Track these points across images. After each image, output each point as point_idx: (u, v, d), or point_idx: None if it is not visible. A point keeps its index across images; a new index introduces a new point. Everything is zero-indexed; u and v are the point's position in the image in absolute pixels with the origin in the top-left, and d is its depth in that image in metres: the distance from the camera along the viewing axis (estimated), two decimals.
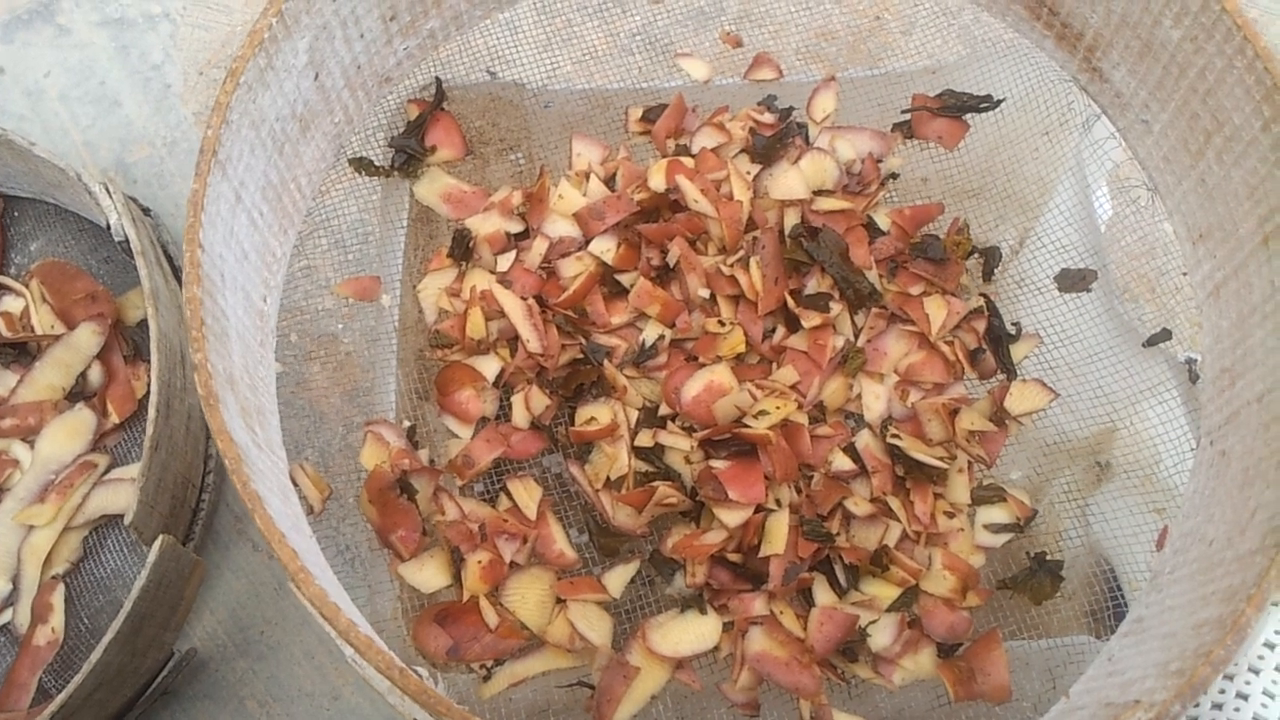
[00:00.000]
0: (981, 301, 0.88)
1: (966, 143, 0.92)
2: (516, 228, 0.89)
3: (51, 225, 1.07)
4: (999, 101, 0.90)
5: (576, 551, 0.80)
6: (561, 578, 0.79)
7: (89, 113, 1.17)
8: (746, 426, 0.78)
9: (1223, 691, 0.75)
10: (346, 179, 0.87)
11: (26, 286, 1.02)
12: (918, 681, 0.77)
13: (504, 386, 0.84)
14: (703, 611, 0.77)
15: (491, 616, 0.75)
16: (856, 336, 0.85)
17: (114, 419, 0.97)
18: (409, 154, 0.89)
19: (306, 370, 0.98)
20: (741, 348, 0.83)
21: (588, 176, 0.90)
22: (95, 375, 0.99)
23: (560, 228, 0.87)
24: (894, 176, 0.92)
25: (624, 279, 0.86)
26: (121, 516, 0.91)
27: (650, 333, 0.84)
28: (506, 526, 0.78)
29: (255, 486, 0.55)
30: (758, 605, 0.76)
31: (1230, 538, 0.61)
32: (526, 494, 0.80)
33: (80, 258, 1.06)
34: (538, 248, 0.86)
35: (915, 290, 0.87)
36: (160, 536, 0.82)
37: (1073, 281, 0.88)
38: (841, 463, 0.80)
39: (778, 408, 0.79)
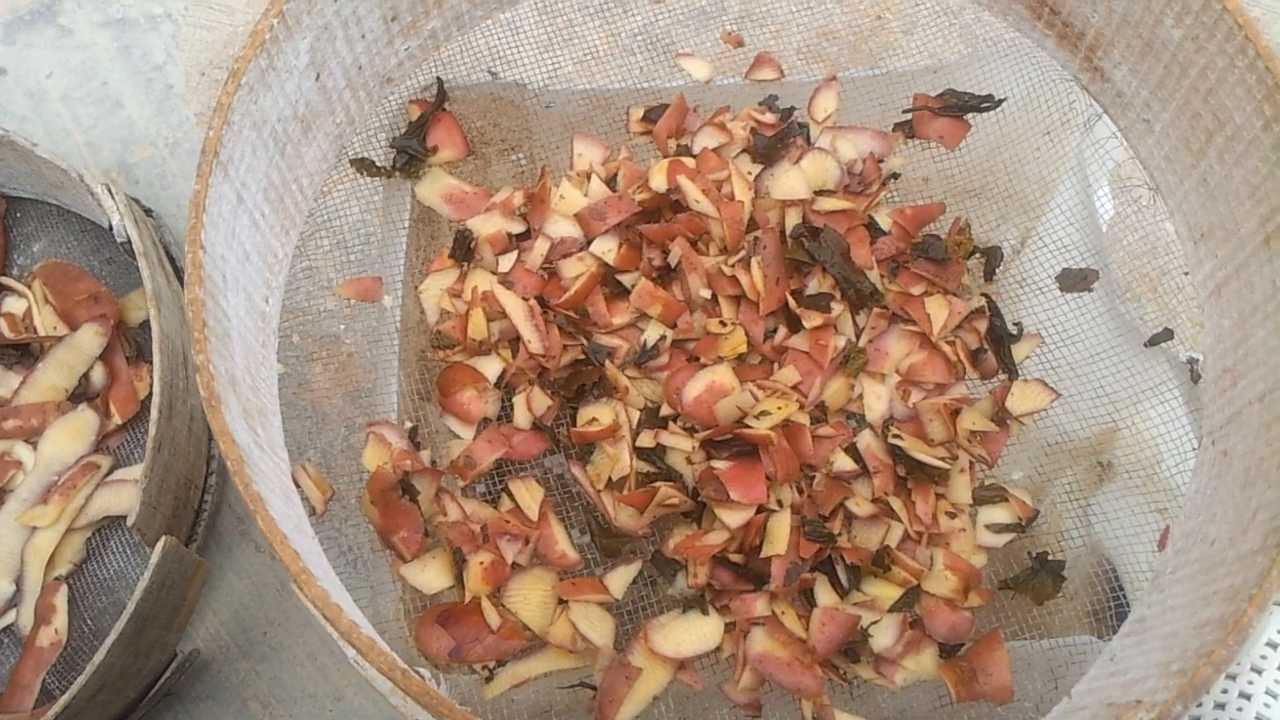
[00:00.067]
0: (983, 301, 0.88)
1: (968, 142, 0.92)
2: (518, 228, 0.89)
3: (54, 226, 1.07)
4: (1000, 101, 0.90)
5: (578, 552, 0.80)
6: (563, 578, 0.79)
7: (91, 113, 1.17)
8: (748, 427, 0.78)
9: (1225, 691, 0.75)
10: (348, 180, 0.87)
11: (29, 288, 1.02)
12: (920, 682, 0.77)
13: (506, 387, 0.85)
14: (704, 612, 0.77)
15: (494, 617, 0.75)
16: (858, 337, 0.85)
17: (116, 420, 0.97)
18: (410, 154, 0.89)
19: (308, 371, 0.98)
20: (743, 348, 0.83)
21: (589, 177, 0.90)
22: (98, 376, 0.99)
23: (562, 228, 0.87)
24: (895, 176, 0.92)
25: (625, 279, 0.86)
26: (124, 518, 0.91)
27: (652, 333, 0.84)
28: (508, 527, 0.78)
29: (257, 488, 0.56)
30: (759, 606, 0.76)
31: (1232, 537, 0.60)
32: (528, 495, 0.80)
33: (83, 259, 1.06)
34: (539, 248, 0.86)
35: (917, 290, 0.87)
36: (163, 538, 0.82)
37: (1074, 281, 0.88)
38: (843, 463, 0.80)
39: (779, 408, 0.79)
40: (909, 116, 0.93)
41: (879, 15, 1.15)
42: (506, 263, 0.87)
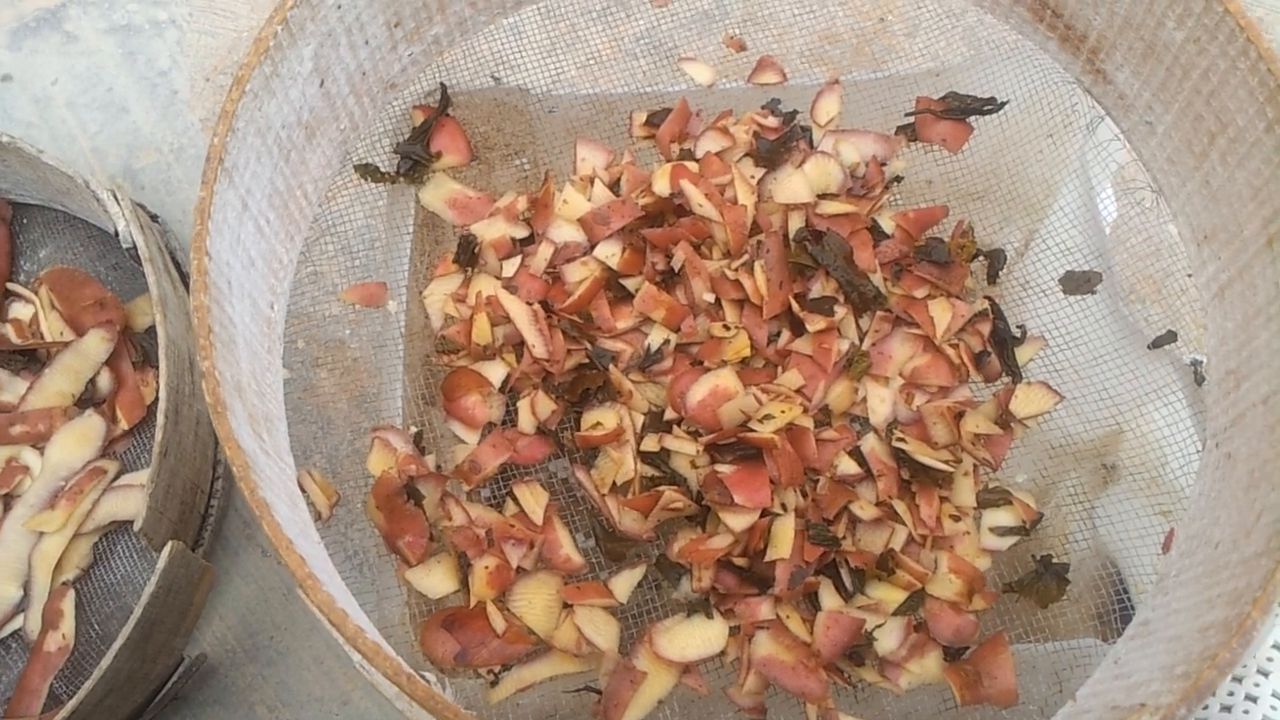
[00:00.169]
0: (986, 304, 0.88)
1: (970, 145, 0.92)
2: (522, 233, 0.89)
3: (60, 232, 1.08)
4: (1003, 104, 0.90)
5: (583, 556, 0.80)
6: (568, 583, 0.79)
7: (96, 119, 1.18)
8: (752, 431, 0.78)
9: (1231, 694, 0.75)
10: (352, 185, 0.88)
11: (36, 293, 1.03)
12: (924, 685, 0.77)
13: (510, 392, 0.85)
14: (709, 616, 0.77)
15: (499, 622, 0.75)
16: (861, 340, 0.85)
17: (123, 425, 0.98)
18: (414, 160, 0.90)
19: (314, 376, 0.98)
20: (746, 352, 0.83)
21: (592, 181, 0.90)
22: (104, 382, 0.99)
23: (565, 233, 0.87)
24: (898, 179, 0.92)
25: (629, 284, 0.86)
26: (131, 522, 0.91)
27: (655, 337, 0.84)
28: (513, 531, 0.78)
29: (263, 493, 0.56)
30: (764, 609, 0.76)
31: (1236, 540, 0.60)
32: (533, 499, 0.81)
33: (89, 264, 1.06)
34: (543, 253, 0.87)
35: (920, 293, 0.87)
36: (170, 542, 0.82)
37: (1078, 284, 0.88)
38: (847, 466, 0.80)
39: (783, 412, 0.79)
40: (912, 119, 0.93)
41: (881, 18, 1.15)
42: (510, 267, 0.87)
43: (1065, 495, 0.84)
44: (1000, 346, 0.87)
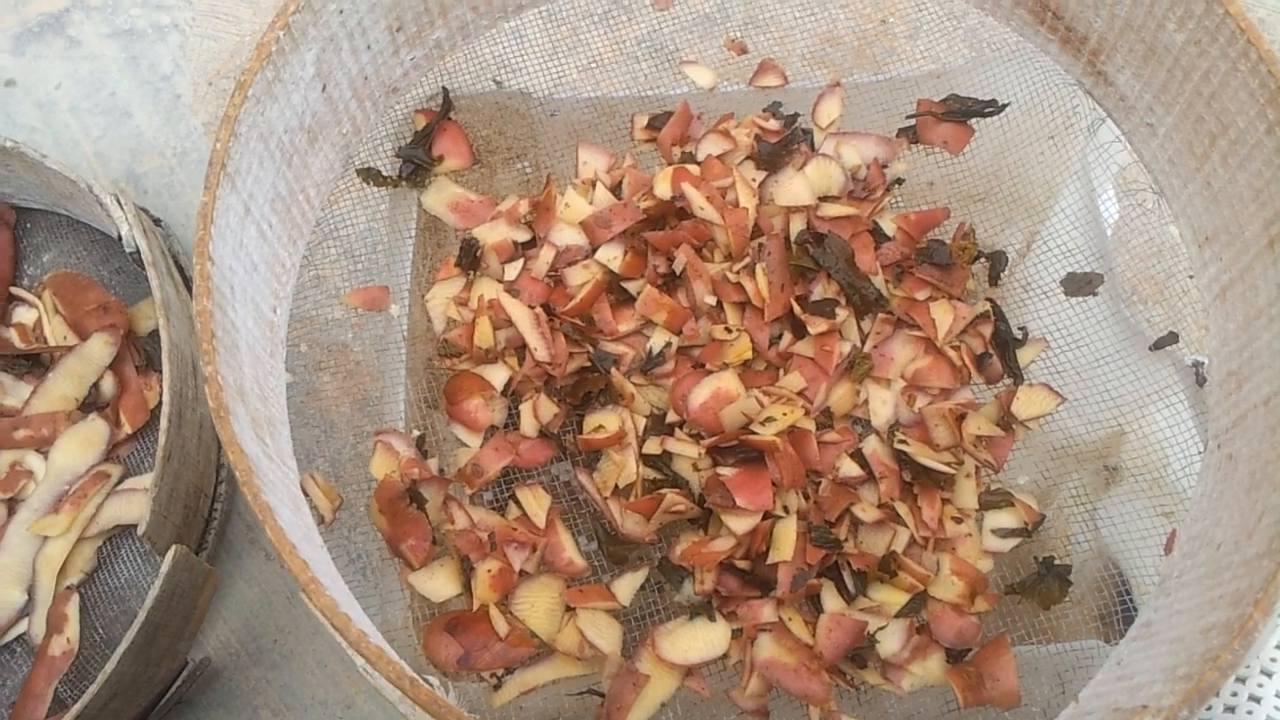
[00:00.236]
0: (988, 306, 0.88)
1: (972, 147, 0.92)
2: (524, 236, 0.89)
3: (63, 237, 1.08)
4: (1004, 106, 0.90)
5: (585, 559, 0.80)
6: (571, 586, 0.79)
7: (100, 124, 1.18)
8: (754, 433, 0.78)
9: (1235, 695, 0.75)
10: (355, 189, 0.88)
11: (39, 298, 1.03)
12: (927, 687, 0.77)
13: (512, 395, 0.85)
14: (712, 619, 0.77)
15: (501, 625, 0.75)
16: (863, 342, 0.85)
17: (127, 429, 0.98)
18: (416, 164, 0.90)
19: (316, 380, 0.99)
20: (748, 354, 0.83)
21: (594, 184, 0.90)
22: (108, 386, 0.99)
23: (567, 236, 0.87)
24: (899, 182, 0.92)
25: (631, 287, 0.86)
26: (135, 526, 0.91)
27: (657, 340, 0.84)
28: (516, 535, 0.79)
29: (266, 498, 0.56)
30: (766, 612, 0.76)
31: (1238, 541, 0.60)
32: (535, 502, 0.81)
33: (92, 269, 1.06)
34: (545, 256, 0.87)
35: (921, 295, 0.87)
36: (173, 546, 0.82)
37: (1079, 285, 0.88)
38: (849, 469, 0.81)
39: (785, 414, 0.79)
40: (913, 122, 0.93)
41: (883, 20, 1.15)
42: (512, 271, 0.87)
43: (1067, 497, 0.84)
44: (1002, 348, 0.87)
